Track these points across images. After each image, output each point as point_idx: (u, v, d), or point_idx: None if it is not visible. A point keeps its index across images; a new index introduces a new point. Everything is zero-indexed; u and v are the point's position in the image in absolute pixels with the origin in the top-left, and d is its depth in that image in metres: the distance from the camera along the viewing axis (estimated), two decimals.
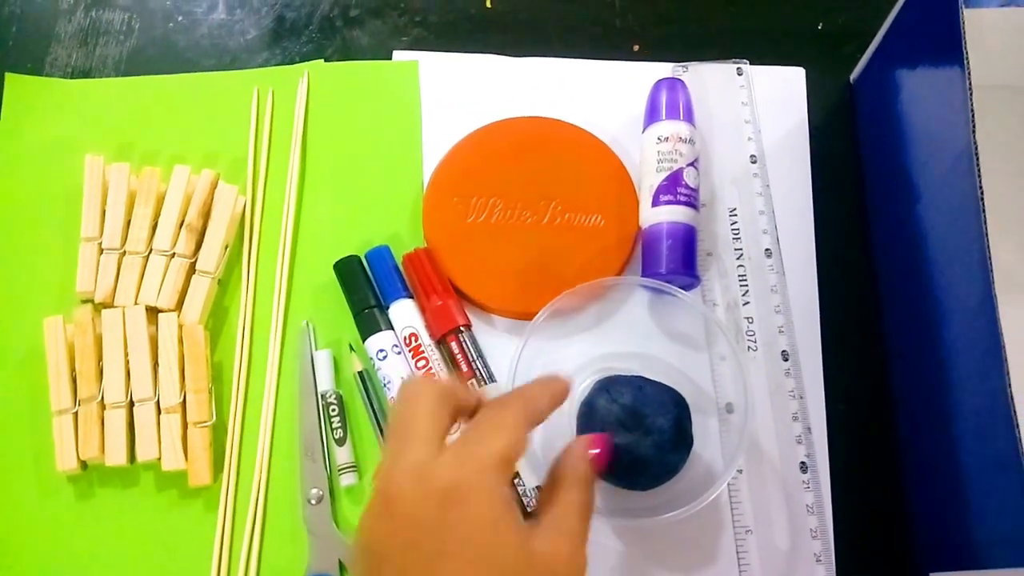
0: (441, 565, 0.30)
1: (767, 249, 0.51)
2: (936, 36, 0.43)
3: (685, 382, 0.48)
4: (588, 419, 0.44)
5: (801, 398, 0.48)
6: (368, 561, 0.31)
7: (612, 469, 0.43)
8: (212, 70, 0.56)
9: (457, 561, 0.30)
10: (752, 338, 0.49)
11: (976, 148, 0.37)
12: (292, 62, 0.56)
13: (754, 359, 0.49)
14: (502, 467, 0.32)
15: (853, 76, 0.55)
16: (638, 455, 0.43)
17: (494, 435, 0.32)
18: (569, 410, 0.46)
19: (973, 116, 0.38)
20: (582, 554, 0.32)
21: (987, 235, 0.37)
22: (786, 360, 0.49)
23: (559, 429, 0.46)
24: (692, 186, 0.49)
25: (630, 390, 0.44)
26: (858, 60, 0.55)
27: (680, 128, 0.50)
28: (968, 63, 0.38)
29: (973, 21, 0.41)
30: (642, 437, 0.43)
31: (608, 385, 0.45)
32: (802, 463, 0.47)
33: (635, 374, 0.46)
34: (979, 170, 0.37)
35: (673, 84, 0.52)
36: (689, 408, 0.45)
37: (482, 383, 0.47)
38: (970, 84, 0.38)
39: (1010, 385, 0.37)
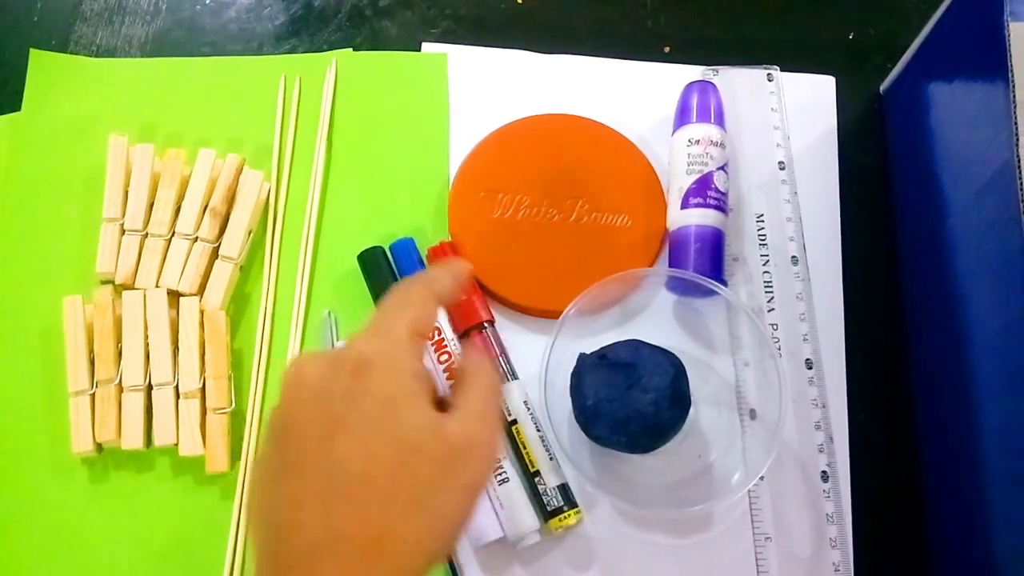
0: (340, 437, 0.29)
1: (793, 256, 0.51)
2: (977, 50, 0.43)
3: (712, 375, 0.48)
4: (583, 378, 0.44)
5: (824, 407, 0.48)
6: (272, 438, 0.31)
7: (610, 429, 0.43)
8: (239, 55, 0.56)
9: (358, 433, 0.29)
10: (777, 345, 0.49)
11: (1020, 163, 0.37)
12: (320, 50, 0.56)
13: (780, 363, 0.49)
14: (411, 340, 0.31)
15: (883, 87, 0.55)
16: (635, 412, 0.43)
17: (402, 310, 0.32)
18: (565, 372, 0.46)
19: (1018, 132, 0.38)
20: (495, 437, 0.32)
21: None
22: (810, 368, 0.49)
23: (558, 390, 0.46)
24: (722, 190, 0.49)
25: (627, 351, 0.45)
26: (888, 71, 0.55)
27: (711, 131, 0.50)
28: (1013, 77, 0.38)
29: (1017, 34, 0.40)
30: (640, 394, 0.43)
31: (605, 350, 0.45)
32: (823, 472, 0.47)
33: (632, 338, 0.46)
34: (1022, 186, 0.37)
35: (704, 87, 0.52)
36: (686, 371, 0.45)
37: (506, 379, 0.47)
38: (1015, 99, 0.38)
39: None
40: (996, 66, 0.40)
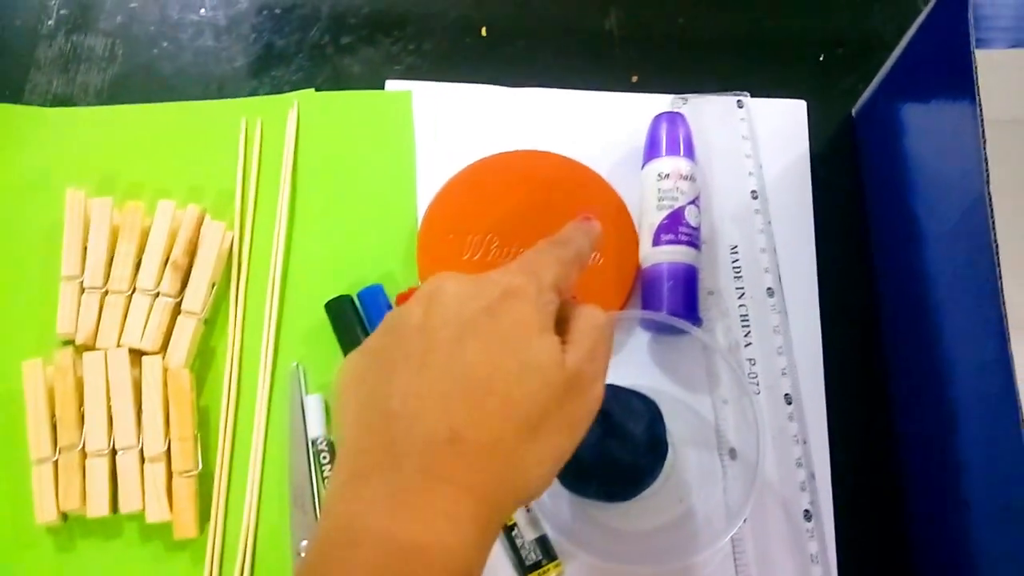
0: (473, 342, 0.30)
1: (769, 288, 0.50)
2: (946, 77, 0.42)
3: (690, 415, 0.48)
4: None
5: (804, 443, 0.47)
6: (392, 330, 0.31)
7: (587, 479, 0.42)
8: (198, 99, 0.54)
9: (491, 343, 0.30)
10: (755, 381, 0.48)
11: (990, 196, 0.36)
12: (281, 91, 0.55)
13: (757, 403, 0.48)
14: (553, 289, 0.33)
15: (855, 109, 0.54)
16: (611, 460, 0.42)
17: (550, 261, 0.34)
18: None
19: (987, 163, 0.37)
20: (602, 377, 0.33)
21: (1000, 278, 0.36)
22: (789, 404, 0.48)
23: None
24: (693, 225, 0.48)
25: None
26: (859, 92, 0.54)
27: (681, 165, 0.49)
28: (980, 106, 0.37)
29: (983, 60, 0.40)
30: (615, 442, 0.42)
31: None
32: (806, 511, 0.46)
33: (607, 383, 0.45)
34: (993, 218, 0.36)
35: (673, 118, 0.51)
36: (662, 415, 0.44)
37: None
38: (983, 129, 0.37)
39: None
40: (964, 93, 0.39)
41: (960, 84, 0.40)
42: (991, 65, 0.41)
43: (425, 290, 0.32)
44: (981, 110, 0.38)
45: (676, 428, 0.47)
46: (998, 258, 0.36)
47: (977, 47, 0.40)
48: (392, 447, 0.29)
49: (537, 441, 0.30)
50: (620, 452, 0.42)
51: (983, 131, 0.38)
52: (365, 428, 0.30)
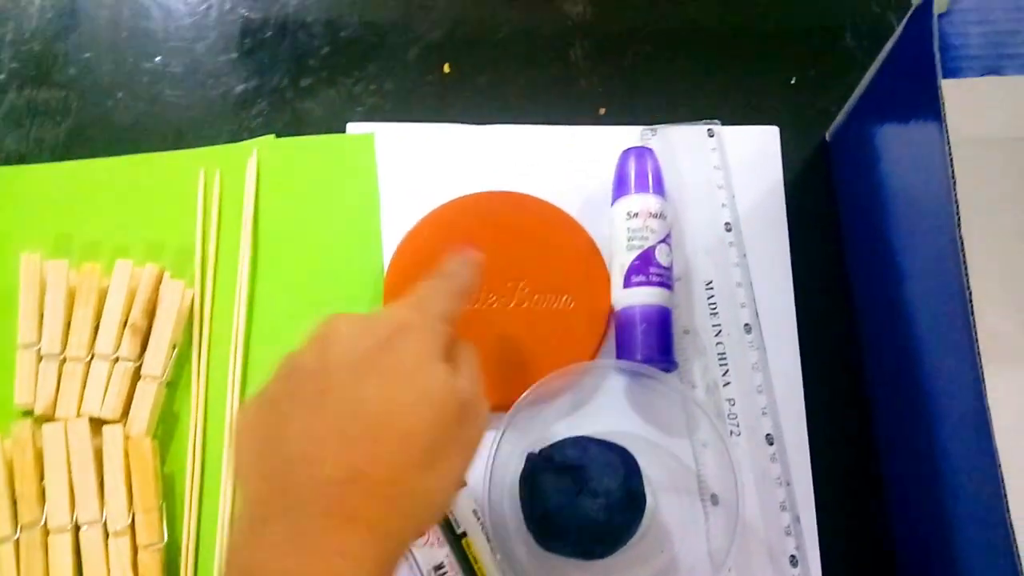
0: (370, 379, 0.30)
1: (746, 324, 0.49)
2: (913, 103, 0.41)
3: (670, 460, 0.46)
4: (531, 483, 0.42)
5: (788, 485, 0.46)
6: (285, 376, 0.32)
7: (562, 538, 0.41)
8: (156, 150, 0.53)
9: (387, 378, 0.31)
10: (735, 421, 0.47)
11: (959, 222, 0.35)
12: (241, 138, 0.53)
13: (738, 445, 0.47)
14: (443, 320, 0.34)
15: (829, 133, 0.53)
16: (586, 519, 0.41)
17: (437, 296, 0.35)
18: (514, 472, 0.44)
19: (956, 199, 0.35)
20: (486, 399, 0.34)
21: (971, 301, 0.35)
22: (771, 444, 0.46)
23: (507, 490, 0.44)
24: (665, 265, 0.47)
25: (575, 450, 0.42)
26: (833, 115, 0.52)
27: (650, 202, 0.48)
28: (948, 135, 0.36)
29: (952, 88, 0.38)
30: (589, 500, 0.41)
31: (551, 450, 0.43)
32: (792, 556, 0.45)
33: (580, 435, 0.44)
34: (964, 253, 0.35)
35: (641, 153, 0.49)
36: (639, 467, 0.43)
37: None
38: (951, 158, 0.36)
39: (1001, 470, 0.35)
40: (933, 123, 0.37)
41: (928, 113, 0.38)
42: (961, 92, 0.39)
43: (318, 333, 0.32)
44: (949, 141, 0.37)
45: (655, 474, 0.46)
46: (970, 292, 0.34)
47: (947, 76, 0.39)
48: (292, 491, 0.29)
49: (436, 468, 0.30)
50: (595, 510, 0.40)
51: (951, 160, 0.36)
52: (264, 476, 0.30)
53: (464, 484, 0.33)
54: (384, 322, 0.32)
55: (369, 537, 0.28)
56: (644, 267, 0.46)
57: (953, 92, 0.38)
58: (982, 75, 0.40)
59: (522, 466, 0.44)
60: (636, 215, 0.47)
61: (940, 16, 0.39)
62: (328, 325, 0.32)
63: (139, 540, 0.43)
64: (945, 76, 0.38)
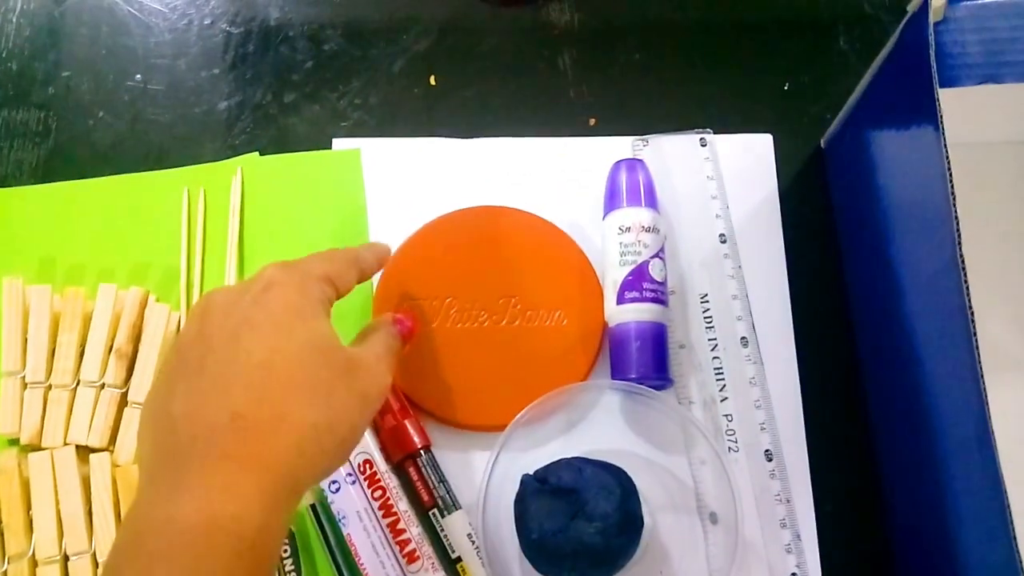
0: (245, 333, 0.32)
1: (743, 337, 0.48)
2: (910, 111, 0.40)
3: (667, 479, 0.45)
4: (526, 507, 0.42)
5: (788, 501, 0.45)
6: (173, 352, 0.33)
7: (558, 563, 0.41)
8: (138, 170, 0.52)
9: (262, 329, 0.32)
10: (732, 438, 0.46)
11: (960, 246, 0.34)
12: (224, 156, 0.52)
13: (736, 461, 0.46)
14: (322, 280, 0.35)
15: (824, 140, 0.52)
16: (582, 544, 0.40)
17: (321, 260, 0.37)
18: (509, 494, 0.43)
19: (955, 207, 0.35)
20: (388, 377, 0.36)
21: (972, 312, 0.34)
22: (770, 460, 0.46)
23: (502, 512, 0.44)
24: (658, 280, 0.46)
25: (569, 473, 0.42)
26: (828, 122, 0.52)
27: (642, 216, 0.47)
28: (946, 146, 0.35)
29: (950, 97, 0.37)
30: (584, 524, 0.40)
31: (546, 472, 0.42)
32: (793, 575, 0.44)
33: (576, 456, 0.43)
34: (963, 263, 0.34)
35: (632, 165, 0.48)
36: (636, 487, 0.42)
37: (444, 513, 0.44)
38: (949, 168, 0.35)
39: (1003, 483, 0.34)
40: (930, 132, 0.37)
41: (926, 122, 0.37)
42: (959, 100, 0.39)
43: (195, 309, 0.34)
44: (947, 150, 0.36)
45: (653, 493, 0.45)
46: (970, 303, 0.34)
47: (944, 84, 0.38)
48: (177, 446, 0.30)
49: (327, 408, 0.32)
50: (590, 535, 0.40)
51: (950, 169, 0.36)
52: (153, 440, 0.31)
53: (361, 438, 0.35)
54: (254, 283, 0.34)
55: (249, 471, 0.29)
56: (638, 283, 0.45)
57: (951, 101, 0.37)
58: (980, 83, 0.39)
59: (517, 484, 0.43)
60: (628, 229, 0.46)
61: (936, 24, 0.38)
62: (204, 299, 0.34)
63: None
64: (942, 84, 0.38)
